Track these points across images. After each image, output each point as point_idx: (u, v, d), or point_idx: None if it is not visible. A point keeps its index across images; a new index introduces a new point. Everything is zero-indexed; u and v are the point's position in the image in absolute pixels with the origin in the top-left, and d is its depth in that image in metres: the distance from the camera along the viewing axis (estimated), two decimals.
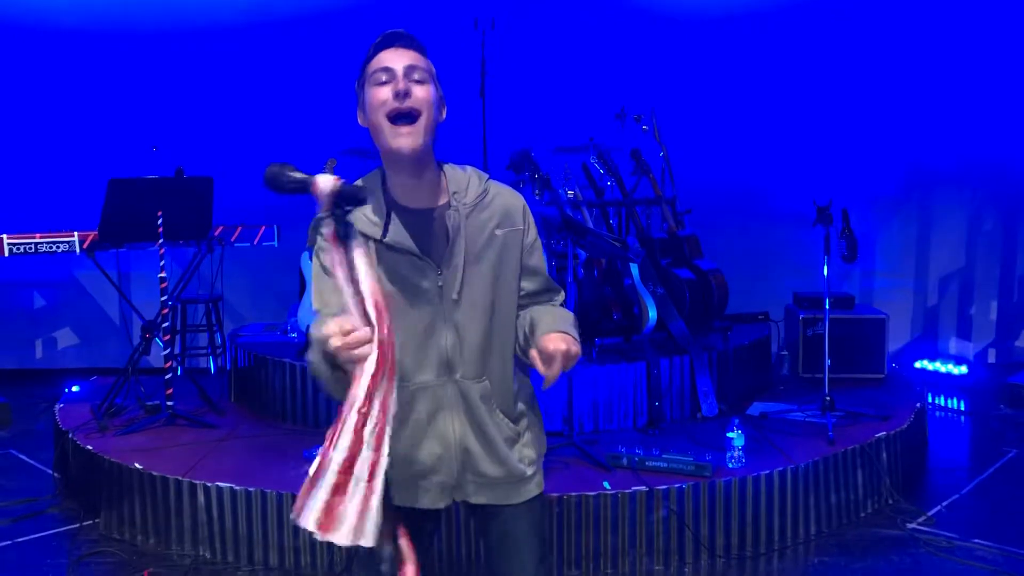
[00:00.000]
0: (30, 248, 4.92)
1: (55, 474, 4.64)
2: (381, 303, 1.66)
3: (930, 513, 4.14)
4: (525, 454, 2.05)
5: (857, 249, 4.83)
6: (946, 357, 6.72)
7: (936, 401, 5.97)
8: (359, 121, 1.96)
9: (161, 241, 4.61)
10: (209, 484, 3.80)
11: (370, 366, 1.62)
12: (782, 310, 6.09)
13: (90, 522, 4.12)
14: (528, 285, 2.04)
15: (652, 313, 4.81)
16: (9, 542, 3.96)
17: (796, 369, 5.71)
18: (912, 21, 6.71)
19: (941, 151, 6.85)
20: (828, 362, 4.59)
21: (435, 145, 1.94)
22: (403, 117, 1.85)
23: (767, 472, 3.83)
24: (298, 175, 1.62)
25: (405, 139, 1.85)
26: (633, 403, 4.60)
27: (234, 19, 6.74)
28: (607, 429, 4.53)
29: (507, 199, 2.02)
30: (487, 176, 2.03)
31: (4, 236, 4.88)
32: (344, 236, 1.61)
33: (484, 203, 1.98)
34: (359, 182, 1.94)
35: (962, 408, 5.88)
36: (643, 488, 3.67)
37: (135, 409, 4.85)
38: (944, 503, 4.28)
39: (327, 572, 3.66)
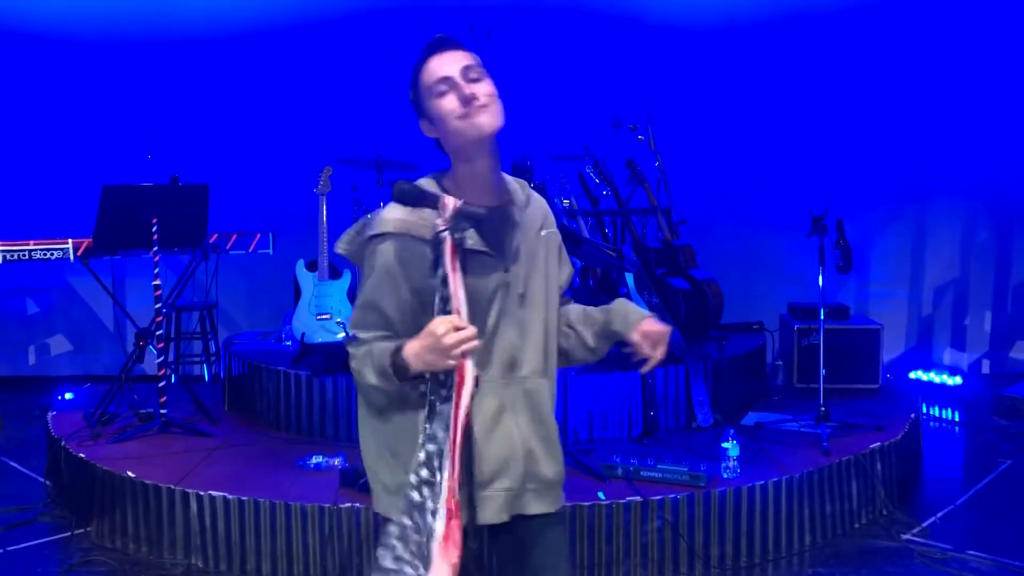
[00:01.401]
0: (24, 255, 4.91)
1: (47, 482, 4.62)
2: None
3: (924, 524, 4.14)
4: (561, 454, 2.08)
5: (852, 259, 4.84)
6: (940, 368, 6.73)
7: (930, 412, 5.97)
8: (424, 132, 1.96)
9: (156, 248, 4.60)
10: (202, 493, 3.79)
11: (471, 368, 1.72)
12: (777, 320, 6.09)
13: (82, 530, 4.10)
14: (562, 279, 2.10)
15: None
16: (0, 550, 3.93)
17: (791, 379, 5.70)
18: (908, 33, 6.74)
19: (936, 162, 6.87)
20: (823, 372, 4.59)
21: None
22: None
23: (762, 482, 3.82)
24: (428, 192, 1.80)
25: (482, 116, 1.85)
26: (628, 412, 4.60)
27: (229, 28, 6.74)
28: (602, 438, 4.52)
29: (541, 202, 2.07)
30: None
31: None
32: (459, 248, 1.77)
33: (530, 204, 2.02)
34: (420, 183, 1.94)
35: (956, 419, 5.88)
36: (638, 498, 3.66)
37: (128, 417, 4.83)
38: (939, 514, 4.28)
39: None
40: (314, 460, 4.12)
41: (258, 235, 5.52)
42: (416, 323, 1.82)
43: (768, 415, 4.88)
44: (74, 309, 6.95)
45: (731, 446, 3.90)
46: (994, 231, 7.04)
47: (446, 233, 1.75)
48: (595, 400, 4.53)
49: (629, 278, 4.87)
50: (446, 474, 1.70)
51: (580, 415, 4.48)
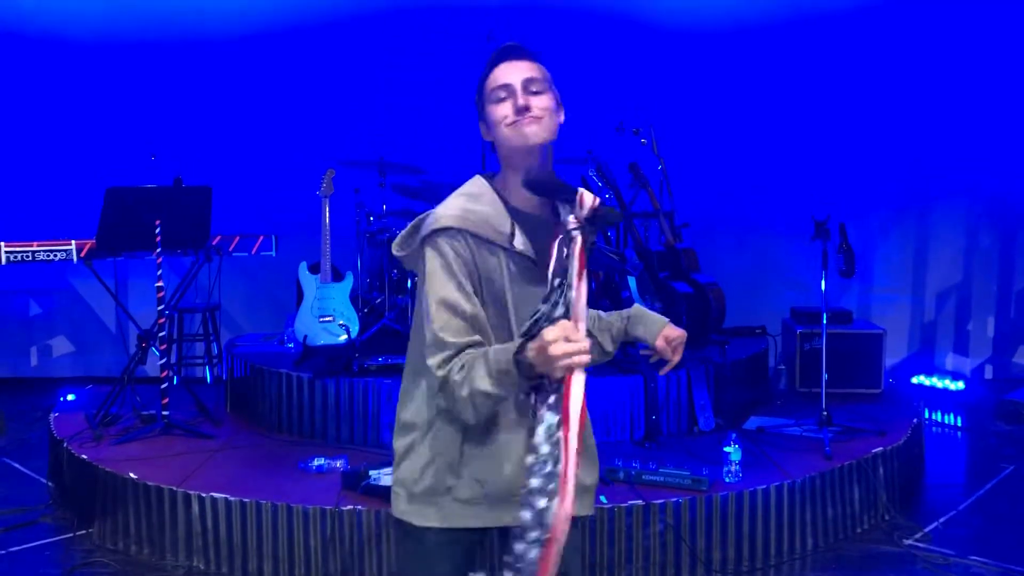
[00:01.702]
0: (27, 256, 4.92)
1: (49, 483, 4.62)
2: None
3: (927, 529, 4.13)
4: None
5: (855, 264, 4.83)
6: (943, 373, 6.72)
7: (933, 417, 5.97)
8: (483, 135, 1.98)
9: (159, 250, 4.60)
10: (204, 494, 3.79)
11: (576, 385, 1.66)
12: (779, 324, 6.09)
13: (84, 532, 4.10)
14: None
15: None
16: (2, 552, 3.93)
17: (793, 383, 5.70)
18: (912, 38, 6.74)
19: (939, 167, 6.87)
20: (825, 377, 4.59)
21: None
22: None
23: (764, 487, 3.82)
24: (566, 184, 1.75)
25: (531, 127, 1.86)
26: (630, 416, 4.60)
27: (232, 30, 6.76)
28: (603, 442, 4.51)
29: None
30: None
31: (1, 244, 4.87)
32: (590, 250, 1.71)
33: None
34: (466, 188, 1.93)
35: (959, 424, 5.88)
36: (639, 502, 3.66)
37: (130, 418, 4.84)
38: (941, 519, 4.27)
39: None
40: (316, 462, 4.12)
41: (261, 237, 5.53)
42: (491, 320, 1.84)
43: (770, 419, 4.88)
44: (76, 310, 6.96)
45: (733, 450, 3.89)
46: (997, 236, 7.03)
47: (577, 232, 1.70)
48: (597, 403, 4.52)
49: (631, 281, 4.87)
50: (553, 501, 1.64)
51: None
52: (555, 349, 1.64)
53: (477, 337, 1.82)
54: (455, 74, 6.20)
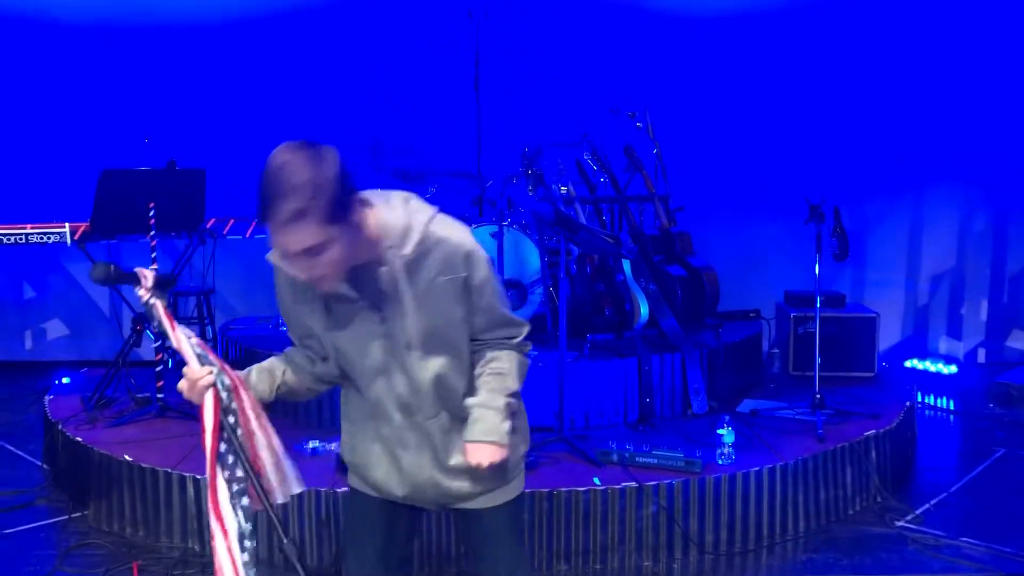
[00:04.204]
0: (20, 239, 4.90)
1: (44, 465, 4.63)
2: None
3: (918, 511, 4.16)
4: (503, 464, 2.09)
5: (848, 247, 4.84)
6: (936, 356, 6.74)
7: (926, 400, 5.99)
8: None
9: (153, 233, 4.59)
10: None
11: (209, 401, 1.94)
12: (773, 308, 6.10)
13: (79, 514, 4.11)
14: (480, 322, 2.03)
15: (644, 309, 4.82)
16: None
17: (787, 367, 5.72)
18: (906, 21, 6.72)
19: (933, 152, 6.87)
20: (818, 360, 4.60)
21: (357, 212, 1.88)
22: None
23: (756, 469, 3.84)
24: (123, 272, 1.95)
25: (325, 286, 1.92)
26: (624, 399, 4.61)
27: (227, 14, 6.72)
28: (598, 425, 4.53)
29: (448, 248, 1.94)
30: (431, 213, 1.96)
31: None
32: (169, 308, 1.98)
33: (424, 251, 1.93)
34: None
35: (951, 407, 5.90)
36: (633, 484, 3.68)
37: (125, 401, 4.84)
38: (932, 501, 4.30)
39: (317, 566, 3.65)
40: (311, 445, 4.13)
41: (255, 220, 5.51)
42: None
43: (764, 402, 4.90)
44: (71, 294, 6.94)
45: (726, 433, 3.91)
46: (991, 221, 7.04)
47: (154, 299, 1.93)
48: (591, 387, 4.54)
49: (626, 265, 4.88)
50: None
51: (576, 402, 4.49)
52: (186, 394, 1.96)
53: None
54: (449, 53, 6.19)
